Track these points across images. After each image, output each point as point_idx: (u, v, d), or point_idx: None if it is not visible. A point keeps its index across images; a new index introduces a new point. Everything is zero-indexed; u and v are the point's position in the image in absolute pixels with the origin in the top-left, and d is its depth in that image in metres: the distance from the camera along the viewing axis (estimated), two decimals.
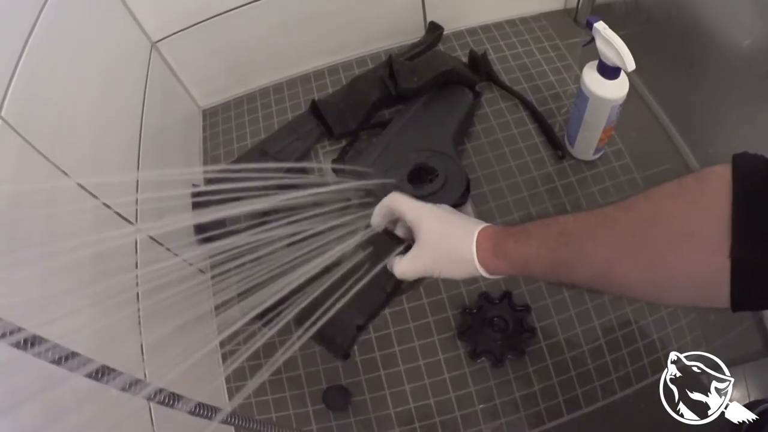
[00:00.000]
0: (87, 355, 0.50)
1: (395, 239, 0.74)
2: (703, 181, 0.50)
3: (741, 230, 0.46)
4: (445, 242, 0.68)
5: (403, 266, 0.70)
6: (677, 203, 0.52)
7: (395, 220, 0.76)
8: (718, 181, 0.48)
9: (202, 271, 0.99)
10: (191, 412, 0.56)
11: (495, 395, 0.96)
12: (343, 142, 1.23)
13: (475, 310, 0.99)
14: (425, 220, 0.69)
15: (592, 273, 0.58)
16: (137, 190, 0.90)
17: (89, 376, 0.48)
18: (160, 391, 0.54)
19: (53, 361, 0.46)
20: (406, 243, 0.73)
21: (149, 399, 0.53)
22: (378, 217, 0.75)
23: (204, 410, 0.57)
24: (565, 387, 0.96)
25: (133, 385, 0.51)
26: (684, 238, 0.50)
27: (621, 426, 0.95)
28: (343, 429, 0.97)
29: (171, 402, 0.54)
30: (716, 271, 0.47)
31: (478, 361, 0.98)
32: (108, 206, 0.79)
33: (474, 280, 1.01)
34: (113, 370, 0.50)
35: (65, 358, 0.47)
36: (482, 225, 0.68)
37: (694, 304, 0.55)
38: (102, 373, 0.49)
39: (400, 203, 0.72)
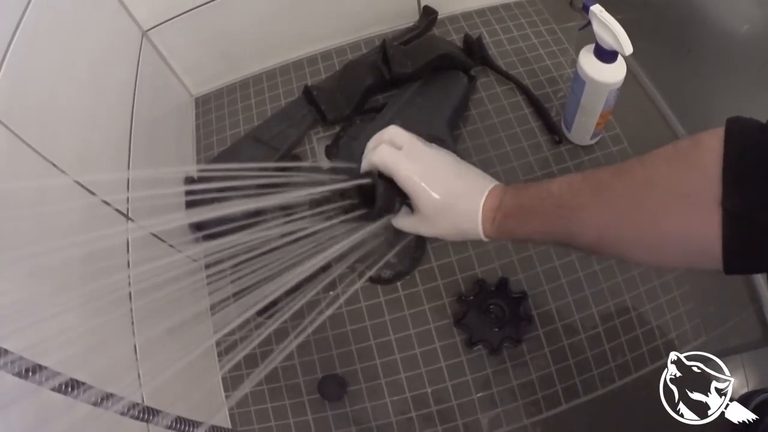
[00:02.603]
0: (81, 354, 0.48)
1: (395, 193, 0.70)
2: (697, 142, 0.51)
3: (731, 184, 0.46)
4: (448, 219, 0.68)
5: (405, 226, 0.71)
6: (672, 166, 0.53)
7: None
8: (712, 141, 0.48)
9: (197, 269, 0.98)
10: (169, 427, 0.55)
11: (492, 384, 0.95)
12: (337, 128, 1.21)
13: (471, 298, 0.98)
14: (422, 196, 0.67)
15: (589, 240, 0.60)
16: (128, 184, 0.89)
17: (57, 390, 0.46)
18: (134, 405, 0.52)
19: (16, 374, 0.44)
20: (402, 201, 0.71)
21: (123, 414, 0.51)
22: (367, 165, 0.71)
23: (183, 425, 0.55)
24: (563, 375, 0.95)
25: (104, 399, 0.49)
26: (678, 199, 0.51)
27: (620, 414, 0.94)
28: (338, 418, 0.97)
29: (146, 417, 0.52)
30: (709, 227, 0.48)
31: (475, 349, 0.97)
32: (106, 203, 0.78)
33: (470, 267, 1.02)
34: (83, 384, 0.48)
35: (30, 371, 0.45)
36: (484, 195, 0.67)
37: (688, 265, 0.57)
38: (72, 387, 0.47)
39: (393, 165, 0.67)
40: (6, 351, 0.43)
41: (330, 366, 1.00)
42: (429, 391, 0.96)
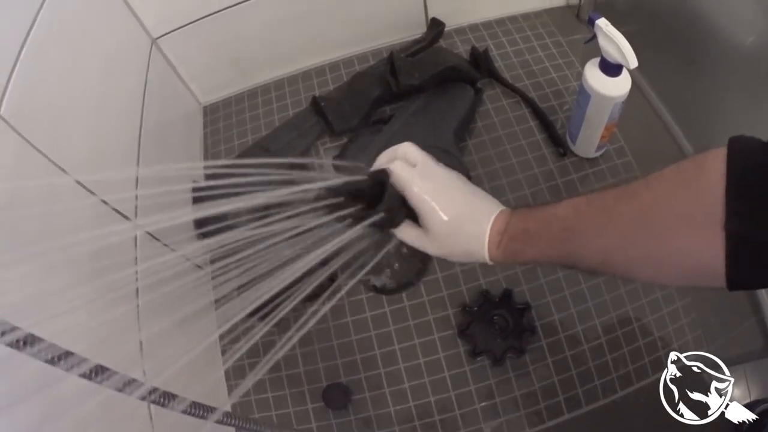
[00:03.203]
0: (86, 352, 0.49)
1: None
2: (700, 163, 0.51)
3: (733, 206, 0.46)
4: (455, 241, 0.68)
5: (411, 240, 0.70)
6: (676, 189, 0.53)
7: None
8: (714, 162, 0.49)
9: (199, 267, 0.99)
10: (186, 412, 0.56)
11: (495, 393, 0.96)
12: (344, 139, 1.22)
13: (475, 309, 0.99)
14: (431, 216, 0.67)
15: (594, 263, 0.60)
16: (137, 187, 0.90)
17: (84, 375, 0.48)
18: (155, 390, 0.53)
19: (48, 361, 0.46)
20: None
21: (143, 399, 0.52)
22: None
23: (198, 409, 0.57)
24: (565, 385, 0.95)
25: (127, 385, 0.50)
26: (682, 221, 0.51)
27: (621, 425, 0.95)
28: (342, 427, 0.97)
29: (165, 401, 0.54)
30: (713, 249, 0.48)
31: (478, 359, 0.97)
32: (106, 203, 0.79)
33: (475, 278, 1.02)
34: (107, 369, 0.50)
35: (59, 357, 0.46)
36: (492, 219, 0.66)
37: (692, 284, 0.57)
38: (96, 373, 0.49)
39: (406, 182, 0.67)
40: (39, 338, 0.45)
41: (334, 375, 1.00)
42: (432, 400, 0.96)
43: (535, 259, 0.65)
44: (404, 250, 1.03)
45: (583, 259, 0.61)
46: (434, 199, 0.66)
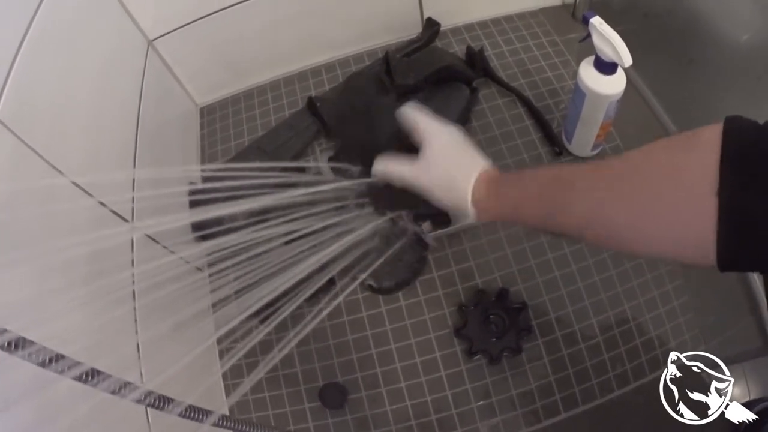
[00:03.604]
0: (83, 353, 0.50)
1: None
2: (696, 134, 0.51)
3: (728, 175, 0.46)
4: (448, 166, 0.72)
5: (393, 164, 0.75)
6: (670, 153, 0.54)
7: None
8: (710, 134, 0.49)
9: (199, 269, 0.99)
10: (182, 415, 0.56)
11: (491, 393, 0.96)
12: (340, 139, 1.22)
13: (471, 308, 0.99)
14: (436, 138, 0.74)
15: (581, 215, 0.60)
16: (134, 189, 0.90)
17: (77, 378, 0.48)
18: (150, 393, 0.53)
19: (39, 364, 0.46)
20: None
21: (139, 402, 0.52)
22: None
23: (195, 413, 0.57)
24: (562, 385, 0.95)
25: (122, 388, 0.50)
26: (673, 183, 0.51)
27: (618, 424, 0.95)
28: (339, 426, 0.97)
29: (161, 405, 0.54)
30: (703, 216, 0.48)
31: (475, 358, 0.97)
32: (104, 204, 0.79)
33: (471, 277, 1.02)
34: (101, 372, 0.50)
35: (50, 360, 0.46)
36: (485, 165, 0.72)
37: (679, 256, 0.56)
38: (90, 376, 0.49)
39: (417, 114, 0.76)
40: (29, 341, 0.45)
41: (331, 374, 1.00)
42: (429, 399, 0.96)
43: (520, 204, 0.66)
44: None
45: (570, 209, 0.61)
46: (441, 127, 0.75)
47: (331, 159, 1.17)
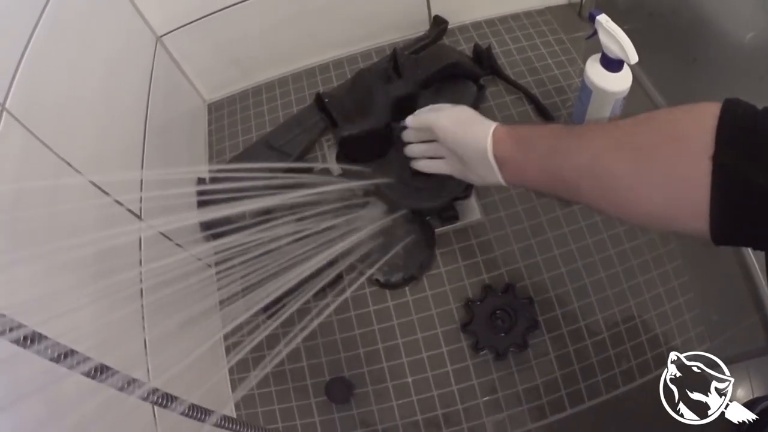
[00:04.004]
0: (92, 350, 0.50)
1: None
2: (699, 104, 0.54)
3: (724, 139, 0.49)
4: (466, 115, 0.81)
5: (424, 113, 0.86)
6: (671, 112, 0.57)
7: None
8: (712, 105, 0.52)
9: (209, 265, 0.99)
10: (184, 414, 0.56)
11: (498, 388, 0.96)
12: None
13: (478, 303, 0.99)
14: (446, 110, 0.83)
15: (582, 162, 0.63)
16: (141, 185, 0.91)
17: (86, 374, 0.49)
18: (155, 391, 0.54)
19: (52, 359, 0.47)
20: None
21: (144, 399, 0.53)
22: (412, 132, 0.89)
23: (197, 412, 0.57)
24: (568, 380, 0.96)
25: (130, 383, 0.51)
26: (672, 140, 0.54)
27: (623, 420, 0.95)
28: (345, 421, 0.98)
29: (165, 402, 0.54)
30: (699, 176, 0.49)
31: (481, 354, 0.98)
32: (114, 199, 0.79)
33: (478, 272, 1.03)
34: (109, 368, 0.50)
35: (64, 355, 0.47)
36: (493, 127, 0.76)
37: (672, 221, 0.57)
38: (100, 371, 0.49)
39: (420, 115, 0.86)
40: (44, 336, 0.46)
41: (337, 369, 1.01)
42: (435, 394, 0.97)
43: (535, 145, 0.71)
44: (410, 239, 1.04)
45: (574, 153, 0.64)
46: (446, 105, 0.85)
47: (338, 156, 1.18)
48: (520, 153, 0.72)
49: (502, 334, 0.97)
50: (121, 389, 0.51)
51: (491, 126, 0.75)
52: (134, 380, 0.52)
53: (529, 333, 0.97)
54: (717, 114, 0.50)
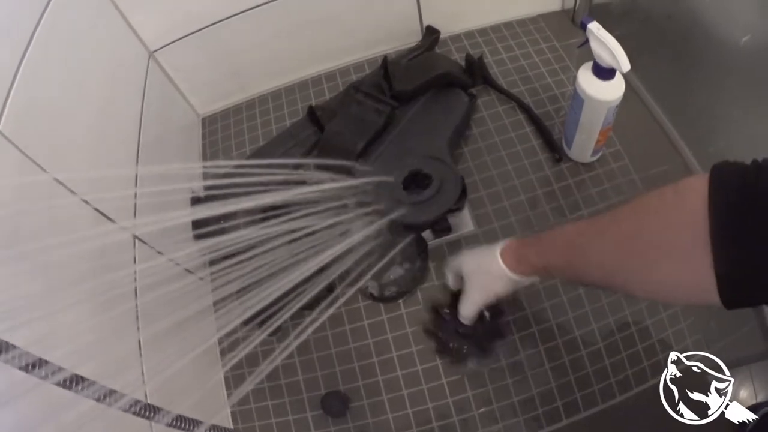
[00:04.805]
0: (82, 353, 0.50)
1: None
2: (682, 195, 0.53)
3: (720, 245, 0.48)
4: (481, 270, 0.82)
5: (464, 310, 0.85)
6: (656, 219, 0.56)
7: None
8: (695, 196, 0.50)
9: (201, 269, 0.99)
10: (170, 425, 0.56)
11: (493, 400, 0.96)
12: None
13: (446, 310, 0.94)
14: (464, 264, 0.85)
15: (598, 277, 0.66)
16: (136, 196, 0.91)
17: (60, 385, 0.48)
18: (136, 402, 0.54)
19: (21, 368, 0.46)
20: None
21: (125, 411, 0.52)
22: (452, 280, 0.90)
23: (184, 423, 0.57)
24: (563, 391, 0.95)
25: (107, 396, 0.50)
26: (664, 254, 0.54)
27: (620, 430, 0.94)
28: None
29: (148, 414, 0.54)
30: (702, 282, 0.49)
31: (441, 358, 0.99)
32: (103, 214, 0.79)
33: None
34: (86, 379, 0.50)
35: (34, 365, 0.46)
36: (503, 243, 0.81)
37: (689, 299, 0.62)
38: (75, 383, 0.49)
39: (454, 262, 0.88)
40: (12, 345, 0.45)
41: (333, 382, 1.01)
42: (431, 407, 0.96)
43: (547, 265, 0.73)
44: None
45: (585, 274, 0.68)
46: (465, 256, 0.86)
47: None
48: (536, 273, 0.77)
49: (465, 338, 0.95)
50: (98, 401, 0.51)
51: (497, 255, 0.80)
52: (113, 391, 0.52)
53: (495, 341, 0.97)
54: (705, 211, 0.49)
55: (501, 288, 0.81)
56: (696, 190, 0.50)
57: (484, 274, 0.82)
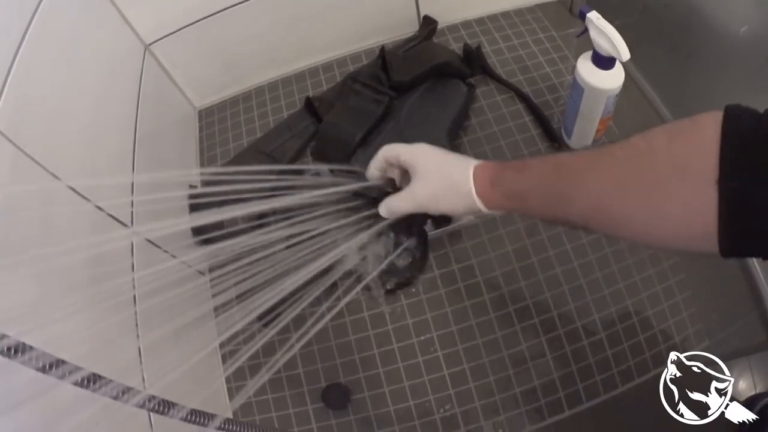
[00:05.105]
0: (83, 358, 0.49)
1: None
2: (697, 121, 0.51)
3: (728, 163, 0.47)
4: (443, 173, 0.69)
5: (395, 202, 0.72)
6: (671, 140, 0.53)
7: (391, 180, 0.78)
8: (711, 121, 0.49)
9: (201, 273, 0.99)
10: (185, 419, 0.56)
11: (495, 391, 0.95)
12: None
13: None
14: (421, 155, 0.71)
15: (588, 205, 0.59)
16: (132, 193, 0.90)
17: (78, 384, 0.48)
18: (152, 398, 0.53)
19: (39, 369, 0.46)
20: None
21: (140, 407, 0.52)
22: (373, 169, 0.76)
23: (198, 417, 0.57)
24: (565, 382, 0.95)
25: (125, 392, 0.50)
26: (677, 170, 0.52)
27: (622, 421, 0.94)
28: (342, 427, 0.97)
29: (164, 409, 0.54)
30: (705, 203, 0.48)
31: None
32: (102, 209, 0.79)
33: (472, 275, 1.02)
34: (102, 377, 0.49)
35: (52, 365, 0.46)
36: (477, 161, 0.69)
37: (683, 244, 0.56)
38: (92, 381, 0.49)
39: (395, 148, 0.73)
40: (29, 347, 0.45)
41: (334, 375, 1.00)
42: (432, 398, 0.96)
43: (523, 192, 0.64)
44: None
45: (574, 200, 0.60)
46: (421, 145, 0.72)
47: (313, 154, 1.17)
48: (515, 203, 0.67)
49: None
50: (116, 398, 0.50)
51: (469, 179, 0.68)
52: (129, 388, 0.51)
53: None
54: (718, 133, 0.48)
55: (453, 205, 0.70)
56: (712, 117, 0.50)
57: (444, 179, 0.70)
